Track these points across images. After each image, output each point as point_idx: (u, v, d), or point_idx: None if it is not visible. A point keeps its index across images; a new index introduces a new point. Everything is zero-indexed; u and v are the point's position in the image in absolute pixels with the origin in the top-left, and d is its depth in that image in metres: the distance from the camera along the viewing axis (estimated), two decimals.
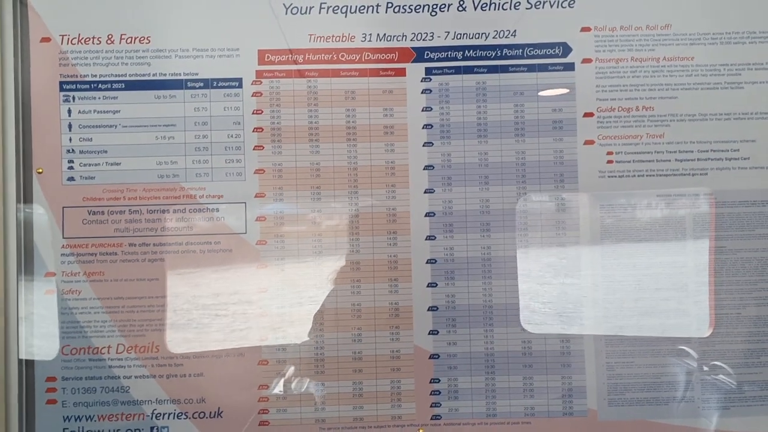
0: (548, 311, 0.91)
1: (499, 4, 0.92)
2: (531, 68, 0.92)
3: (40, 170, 0.89)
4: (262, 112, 0.91)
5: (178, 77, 0.90)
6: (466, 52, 0.92)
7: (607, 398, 0.90)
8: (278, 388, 0.89)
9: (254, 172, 0.90)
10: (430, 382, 0.90)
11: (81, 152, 0.89)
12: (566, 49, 0.92)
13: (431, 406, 0.90)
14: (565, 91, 0.91)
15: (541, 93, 0.91)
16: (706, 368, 0.90)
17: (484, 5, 0.92)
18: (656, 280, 0.91)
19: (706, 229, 0.91)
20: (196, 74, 0.90)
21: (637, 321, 0.91)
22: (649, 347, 0.90)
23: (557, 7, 0.92)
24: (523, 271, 0.91)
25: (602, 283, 0.91)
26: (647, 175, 0.91)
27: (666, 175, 0.92)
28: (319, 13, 0.91)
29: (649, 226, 0.91)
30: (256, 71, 0.91)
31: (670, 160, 0.92)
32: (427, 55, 0.92)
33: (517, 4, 0.92)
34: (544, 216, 0.91)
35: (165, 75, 0.90)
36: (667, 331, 0.91)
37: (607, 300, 0.91)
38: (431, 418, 0.90)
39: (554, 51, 0.92)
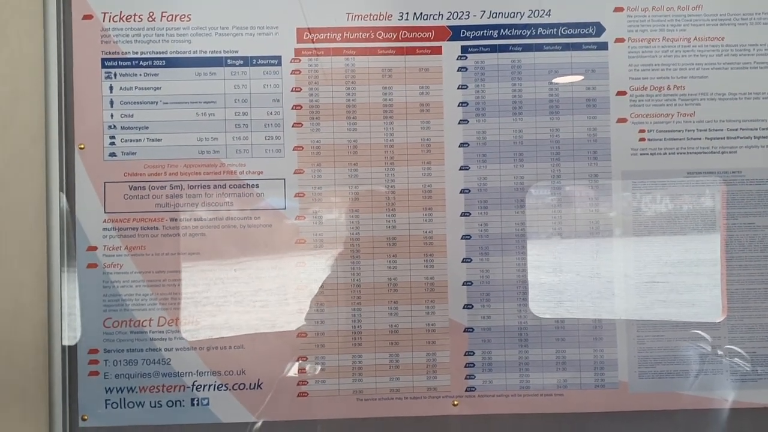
0: (582, 288, 0.93)
1: None
2: (565, 47, 0.93)
3: (82, 146, 0.90)
4: (301, 89, 0.92)
5: (218, 55, 0.91)
6: (502, 30, 0.93)
7: (638, 371, 0.92)
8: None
9: (293, 149, 0.92)
10: (465, 355, 0.92)
11: (122, 128, 0.91)
12: (599, 28, 0.93)
13: (466, 378, 0.92)
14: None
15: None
16: (734, 341, 0.92)
17: None
18: (686, 258, 0.93)
19: (735, 207, 0.93)
20: (236, 52, 0.92)
21: (666, 297, 0.93)
22: (679, 320, 0.92)
23: None
24: (556, 248, 0.93)
25: (634, 260, 0.93)
26: (678, 153, 0.93)
27: (696, 152, 0.93)
28: None
29: (681, 204, 0.93)
30: (295, 49, 0.92)
31: (700, 138, 0.93)
32: (463, 33, 0.93)
33: None
34: (578, 193, 0.93)
35: (205, 52, 0.91)
36: (697, 306, 0.93)
37: (638, 277, 0.93)
38: (466, 390, 0.92)
39: (588, 30, 0.93)
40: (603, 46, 0.93)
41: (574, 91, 0.93)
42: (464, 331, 0.92)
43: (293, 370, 0.91)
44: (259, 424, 0.90)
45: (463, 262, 0.92)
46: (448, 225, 0.92)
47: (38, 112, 0.90)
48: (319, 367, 0.91)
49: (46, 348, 0.89)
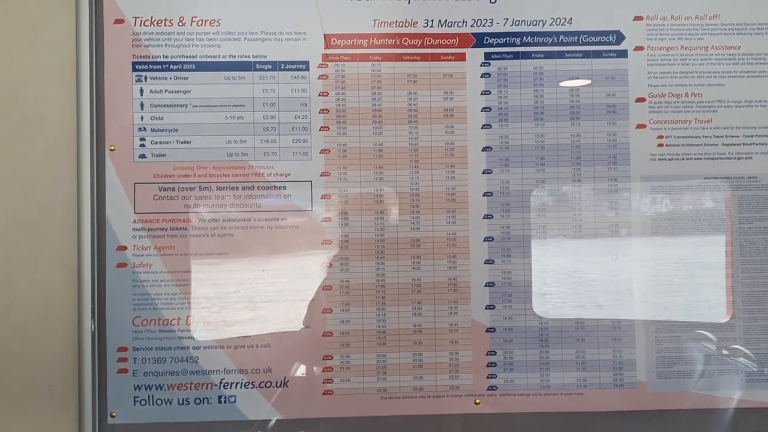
0: (600, 290, 0.95)
1: None
2: (586, 54, 0.95)
3: (113, 148, 0.92)
4: (328, 94, 0.94)
5: (247, 59, 0.93)
6: (524, 38, 0.95)
7: (656, 371, 0.94)
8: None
9: (320, 152, 0.94)
10: (487, 354, 0.94)
11: (152, 130, 0.93)
12: (619, 36, 0.96)
13: (488, 377, 0.94)
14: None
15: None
16: (750, 342, 0.95)
17: None
18: (703, 260, 0.95)
19: (751, 211, 0.95)
20: (265, 56, 0.94)
21: (685, 298, 0.95)
22: (697, 321, 0.95)
23: None
24: (576, 251, 0.95)
25: (652, 262, 0.95)
26: (695, 158, 0.95)
27: (713, 158, 0.96)
28: None
29: (698, 208, 0.95)
30: (323, 55, 0.94)
31: (716, 144, 0.96)
32: (487, 40, 0.95)
33: None
34: (597, 196, 0.95)
35: (234, 57, 0.93)
36: (714, 307, 0.95)
37: (656, 279, 0.95)
38: (488, 389, 0.94)
39: (608, 38, 0.96)
40: (623, 54, 0.96)
41: (595, 97, 0.95)
42: (486, 331, 0.94)
43: (319, 369, 0.93)
44: (285, 421, 0.92)
45: (485, 263, 0.94)
46: (471, 227, 0.94)
47: (70, 115, 0.91)
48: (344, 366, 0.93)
49: (76, 346, 0.90)
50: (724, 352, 0.95)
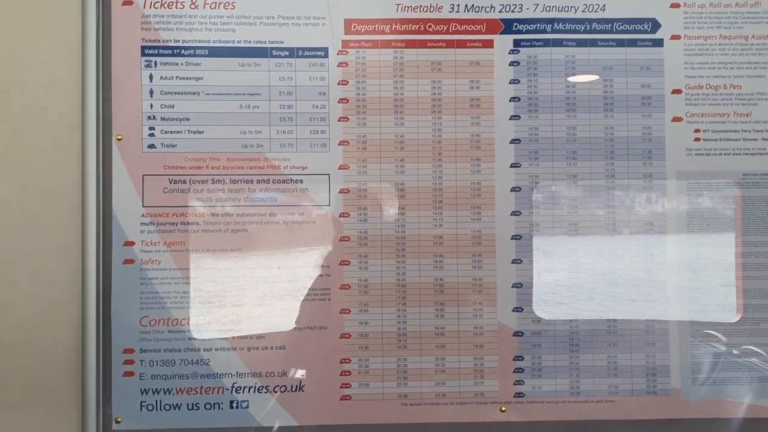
0: (635, 292, 0.90)
1: None
2: (620, 43, 0.90)
3: (120, 137, 0.87)
4: (348, 83, 0.89)
5: (263, 45, 0.88)
6: (555, 24, 0.90)
7: (691, 377, 0.89)
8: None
9: (338, 144, 0.89)
10: (514, 360, 0.89)
11: (162, 119, 0.88)
12: (655, 25, 0.91)
13: (514, 384, 0.89)
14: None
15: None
16: None
17: None
18: (743, 261, 0.90)
19: None
20: (282, 42, 0.88)
21: (723, 301, 0.90)
22: (733, 327, 0.90)
23: None
24: (610, 250, 0.90)
25: (688, 262, 0.90)
26: (733, 154, 0.91)
27: (752, 153, 0.91)
28: None
29: (737, 206, 0.90)
30: (342, 41, 0.89)
31: (756, 139, 0.91)
32: (516, 26, 0.90)
33: None
34: (631, 193, 0.90)
35: (249, 42, 0.88)
36: (752, 311, 0.90)
37: (693, 280, 0.90)
38: (514, 396, 0.89)
39: (643, 27, 0.91)
40: (658, 43, 0.91)
41: (629, 88, 0.90)
42: (514, 335, 0.89)
43: (336, 372, 0.88)
44: (301, 428, 0.87)
45: (512, 263, 0.89)
46: (497, 224, 0.89)
47: (75, 102, 0.86)
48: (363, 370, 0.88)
49: (79, 347, 0.85)
50: (765, 358, 0.90)
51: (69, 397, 0.86)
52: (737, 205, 0.91)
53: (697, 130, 0.90)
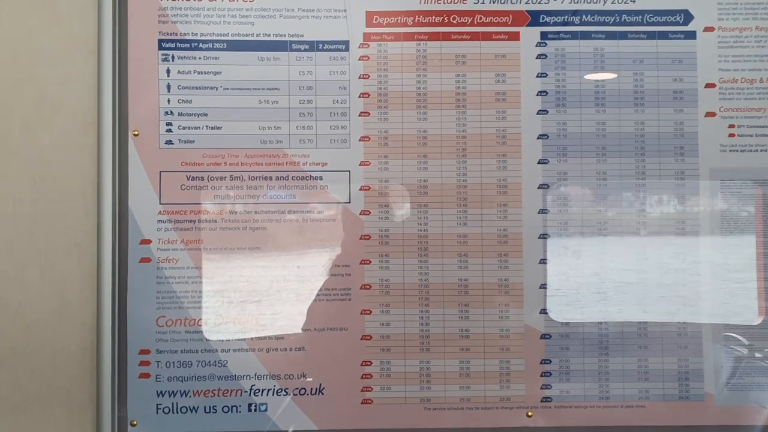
0: (667, 294, 0.87)
1: None
2: (651, 35, 0.87)
3: (137, 132, 0.85)
4: (369, 76, 0.87)
5: (283, 38, 0.86)
6: (584, 16, 0.87)
7: (726, 382, 0.86)
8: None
9: (359, 140, 0.86)
10: (541, 363, 0.86)
11: (180, 114, 0.85)
12: (688, 16, 0.88)
13: (541, 388, 0.86)
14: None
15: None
16: None
17: None
18: None
19: None
20: (302, 36, 0.86)
21: (759, 303, 0.87)
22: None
23: None
24: (640, 250, 0.87)
25: (722, 263, 0.87)
26: None
27: None
28: None
29: None
30: (364, 34, 0.87)
31: None
32: (543, 18, 0.87)
33: None
34: (663, 191, 0.87)
35: (269, 36, 0.86)
36: None
37: (727, 281, 0.87)
38: (541, 400, 0.86)
39: (675, 18, 0.88)
40: (691, 35, 0.87)
41: (660, 82, 0.87)
42: (541, 337, 0.86)
43: (357, 375, 0.85)
44: None
45: (540, 263, 0.86)
46: (524, 222, 0.86)
47: (90, 96, 0.84)
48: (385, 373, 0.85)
49: (94, 348, 0.83)
50: None
51: (83, 399, 0.84)
52: None
53: (731, 126, 0.87)
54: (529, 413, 0.86)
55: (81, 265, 0.84)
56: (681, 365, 0.86)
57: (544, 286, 0.86)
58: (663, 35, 0.87)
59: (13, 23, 0.85)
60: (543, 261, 0.86)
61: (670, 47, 0.87)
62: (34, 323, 0.84)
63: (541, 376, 0.86)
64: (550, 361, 0.86)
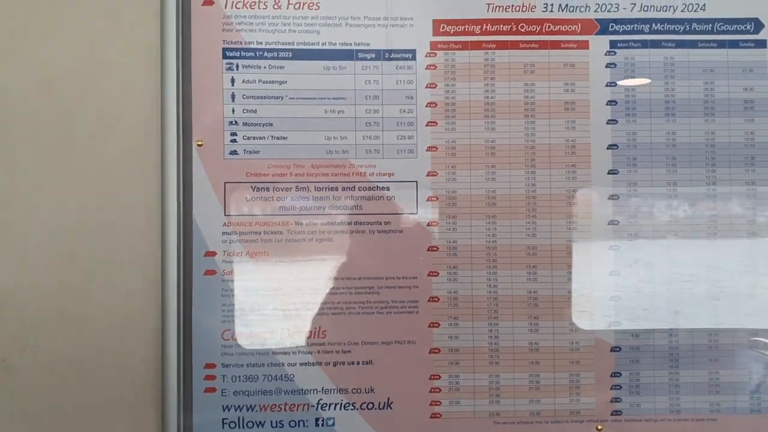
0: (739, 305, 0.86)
1: None
2: (721, 44, 0.86)
3: (201, 143, 0.83)
4: (436, 86, 0.85)
5: (349, 47, 0.85)
6: (653, 25, 0.86)
7: None
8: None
9: (426, 150, 0.85)
10: (611, 376, 0.85)
11: (244, 124, 0.84)
12: (758, 25, 0.87)
13: (611, 401, 0.85)
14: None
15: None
16: None
17: None
18: None
19: None
20: (368, 44, 0.85)
21: None
22: None
23: None
24: (712, 261, 0.86)
25: None
26: None
27: None
28: None
29: None
30: (431, 42, 0.85)
31: None
32: (612, 27, 0.86)
33: None
34: (734, 201, 0.86)
35: (335, 44, 0.85)
36: None
37: None
38: (611, 414, 0.85)
39: (745, 27, 0.87)
40: (761, 44, 0.86)
41: (731, 92, 0.86)
42: (611, 350, 0.85)
43: (426, 389, 0.84)
44: None
45: (610, 275, 0.85)
46: (593, 233, 0.85)
47: (154, 106, 0.83)
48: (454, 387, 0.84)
49: (159, 362, 0.82)
50: None
51: (148, 412, 0.82)
52: None
53: None
54: (599, 427, 0.85)
55: (146, 277, 0.82)
56: (753, 378, 0.85)
57: (614, 298, 0.85)
58: (733, 44, 0.86)
59: (76, 32, 0.83)
60: (614, 273, 0.85)
61: (740, 56, 0.86)
62: (99, 335, 0.82)
63: (611, 389, 0.85)
64: (620, 374, 0.85)
